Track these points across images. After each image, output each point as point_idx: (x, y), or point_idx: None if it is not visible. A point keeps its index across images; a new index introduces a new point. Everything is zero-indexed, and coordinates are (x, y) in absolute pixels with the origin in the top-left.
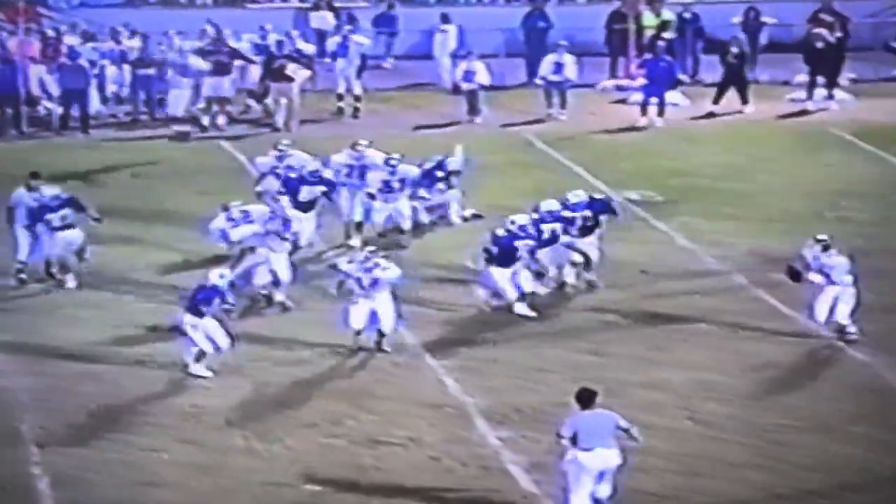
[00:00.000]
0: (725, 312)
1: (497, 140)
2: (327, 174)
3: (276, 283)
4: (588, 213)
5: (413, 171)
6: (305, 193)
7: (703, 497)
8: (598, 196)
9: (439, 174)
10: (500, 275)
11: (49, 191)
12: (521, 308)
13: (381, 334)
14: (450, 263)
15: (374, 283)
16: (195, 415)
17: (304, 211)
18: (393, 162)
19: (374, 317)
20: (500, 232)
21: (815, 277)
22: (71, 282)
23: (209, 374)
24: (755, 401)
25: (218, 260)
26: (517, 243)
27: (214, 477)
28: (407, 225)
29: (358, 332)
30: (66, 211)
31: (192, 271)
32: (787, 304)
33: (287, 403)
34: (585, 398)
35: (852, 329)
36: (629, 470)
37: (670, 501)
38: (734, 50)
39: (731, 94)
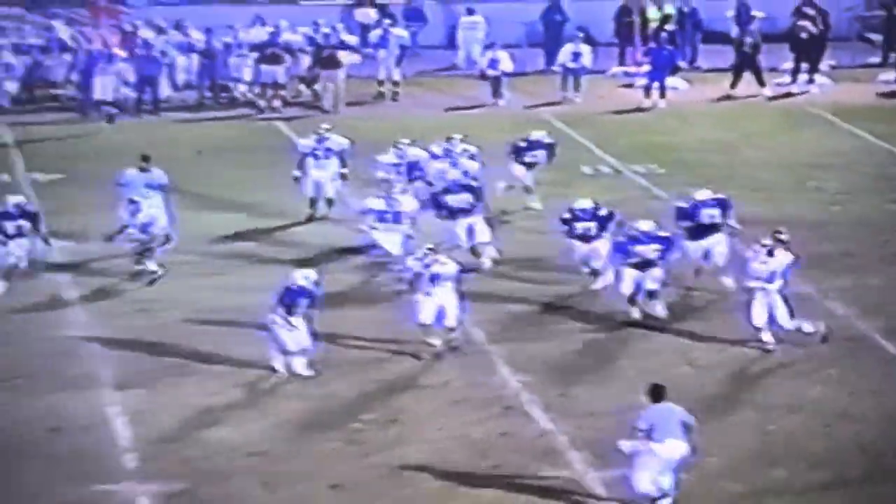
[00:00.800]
0: (717, 270)
1: (519, 120)
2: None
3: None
4: (715, 211)
5: (472, 166)
6: (452, 201)
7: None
8: (722, 196)
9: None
10: (628, 276)
11: (158, 172)
12: (660, 309)
13: (449, 330)
14: None
15: (435, 278)
16: (250, 363)
17: (455, 218)
18: (458, 151)
19: (441, 313)
20: (621, 237)
21: (753, 284)
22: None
23: (311, 372)
24: (742, 349)
25: (262, 231)
26: (637, 248)
27: (267, 417)
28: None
29: (425, 327)
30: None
31: (242, 241)
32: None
33: (333, 351)
34: (657, 393)
35: (808, 328)
36: (629, 410)
37: None
38: (748, 40)
39: (728, 81)
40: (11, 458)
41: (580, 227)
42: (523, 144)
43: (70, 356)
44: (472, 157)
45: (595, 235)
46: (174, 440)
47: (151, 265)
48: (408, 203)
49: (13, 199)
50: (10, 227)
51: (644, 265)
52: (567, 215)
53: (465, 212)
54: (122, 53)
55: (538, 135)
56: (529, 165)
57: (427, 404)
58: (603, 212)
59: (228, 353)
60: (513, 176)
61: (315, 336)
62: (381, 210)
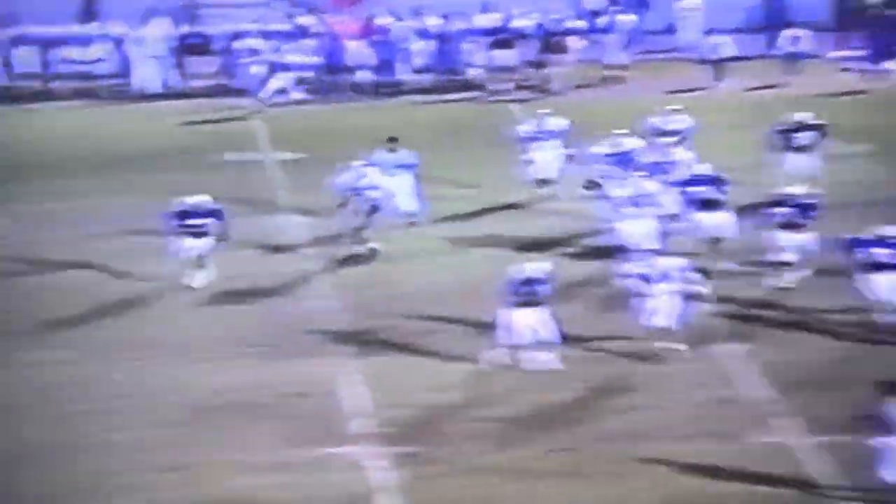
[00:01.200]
0: None
1: (740, 102)
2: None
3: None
4: None
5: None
6: (699, 192)
7: None
8: None
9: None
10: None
11: (407, 153)
12: None
13: (674, 330)
14: None
15: (661, 277)
16: (481, 336)
17: (707, 209)
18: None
19: (668, 312)
20: (866, 235)
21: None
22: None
23: (557, 365)
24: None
25: (493, 210)
26: (874, 251)
27: (496, 384)
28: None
29: (656, 330)
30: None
31: (473, 220)
32: None
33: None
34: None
35: None
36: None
37: None
38: None
39: None
40: (250, 419)
41: (781, 212)
42: (791, 126)
43: (313, 325)
44: (681, 134)
45: (796, 225)
46: (407, 405)
47: (361, 247)
48: (652, 185)
49: (197, 199)
50: (194, 224)
51: (884, 267)
52: (775, 198)
53: (711, 205)
54: (308, 59)
55: (802, 116)
56: (800, 149)
57: (653, 375)
58: (809, 200)
59: (460, 326)
60: (785, 165)
61: (557, 327)
62: (632, 196)
